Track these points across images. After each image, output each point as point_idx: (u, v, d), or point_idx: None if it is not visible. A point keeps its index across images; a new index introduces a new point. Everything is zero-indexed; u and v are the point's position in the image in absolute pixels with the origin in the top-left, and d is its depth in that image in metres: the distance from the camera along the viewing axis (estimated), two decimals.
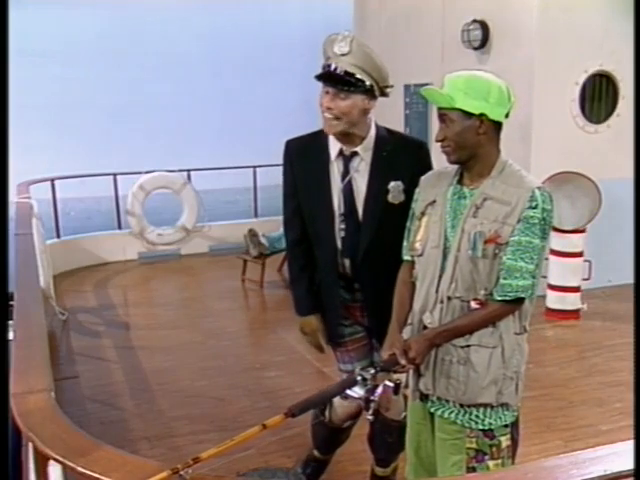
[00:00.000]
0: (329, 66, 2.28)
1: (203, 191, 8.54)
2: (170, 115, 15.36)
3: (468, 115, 1.95)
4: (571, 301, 5.56)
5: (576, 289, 5.56)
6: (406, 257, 2.21)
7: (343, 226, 2.47)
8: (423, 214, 2.12)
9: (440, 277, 2.03)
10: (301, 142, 2.56)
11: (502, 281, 1.96)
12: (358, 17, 8.65)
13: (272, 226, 7.35)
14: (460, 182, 2.07)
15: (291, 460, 3.17)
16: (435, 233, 2.06)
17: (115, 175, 8.11)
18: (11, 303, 2.86)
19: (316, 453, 3.03)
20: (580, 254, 5.49)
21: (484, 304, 1.99)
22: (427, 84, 8.36)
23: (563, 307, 5.58)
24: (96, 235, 8.26)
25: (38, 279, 3.62)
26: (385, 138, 2.44)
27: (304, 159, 2.52)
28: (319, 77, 2.31)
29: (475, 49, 6.38)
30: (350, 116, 2.31)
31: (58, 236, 7.71)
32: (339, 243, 2.50)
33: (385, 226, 2.39)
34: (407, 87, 7.45)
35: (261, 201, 8.87)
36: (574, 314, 5.58)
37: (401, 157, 2.41)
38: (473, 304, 2.00)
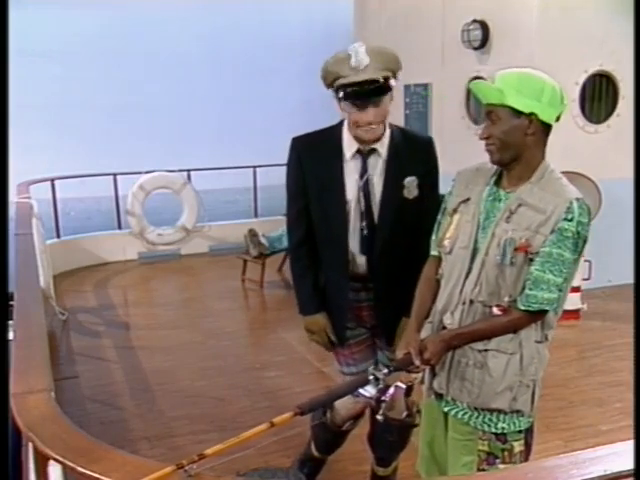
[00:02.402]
0: (362, 83, 2.24)
1: (203, 191, 8.53)
2: (170, 115, 15.34)
3: (517, 113, 1.88)
4: (571, 301, 5.55)
5: (576, 289, 5.54)
6: (433, 252, 2.17)
7: (363, 224, 2.48)
8: (455, 211, 2.06)
9: (465, 279, 2.00)
10: (310, 139, 2.54)
11: (527, 291, 1.92)
12: (358, 17, 8.64)
13: (272, 226, 7.34)
14: (497, 183, 2.01)
15: (291, 460, 3.17)
16: (465, 233, 2.01)
17: (115, 175, 8.11)
18: (11, 303, 2.86)
19: (315, 453, 3.03)
20: None
21: (506, 311, 1.96)
22: (427, 84, 8.29)
23: (563, 307, 5.57)
24: (96, 235, 8.25)
25: (38, 279, 3.62)
26: (397, 135, 2.46)
27: (315, 157, 2.49)
28: (356, 96, 2.26)
29: (475, 49, 6.37)
30: (386, 117, 2.36)
31: (58, 236, 7.70)
32: (356, 242, 2.50)
33: (401, 222, 2.43)
34: (407, 87, 7.44)
35: (261, 201, 8.87)
36: (574, 314, 5.57)
37: (413, 153, 2.45)
38: (495, 310, 1.97)
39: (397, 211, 2.44)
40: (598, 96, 6.20)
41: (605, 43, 5.99)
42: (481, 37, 6.28)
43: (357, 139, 2.41)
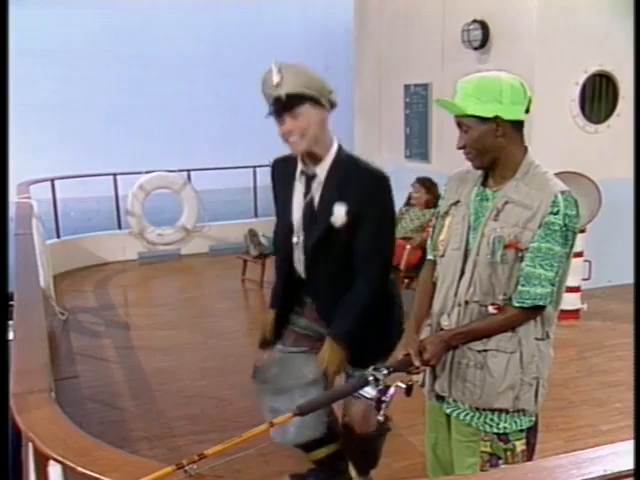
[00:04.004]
0: (274, 99, 2.34)
1: (203, 191, 8.53)
2: (170, 115, 15.32)
3: (483, 119, 1.91)
4: (571, 301, 5.55)
5: (576, 289, 5.55)
6: (429, 256, 2.20)
7: (302, 239, 2.56)
8: (447, 214, 2.10)
9: (459, 280, 2.01)
10: (282, 160, 2.66)
11: (520, 287, 1.93)
12: (358, 17, 8.64)
13: (272, 226, 7.30)
14: (484, 183, 2.04)
15: (291, 460, 3.16)
16: (457, 235, 2.03)
17: (115, 175, 8.11)
18: (11, 303, 2.86)
19: None
20: (580, 254, 5.48)
21: (502, 309, 1.97)
22: (427, 84, 8.28)
23: (563, 307, 5.52)
24: (96, 235, 8.26)
25: (38, 279, 3.62)
26: (342, 163, 2.47)
27: (280, 176, 2.65)
28: (272, 113, 2.36)
29: (475, 49, 6.37)
30: (310, 131, 2.37)
31: (58, 236, 7.71)
32: (297, 261, 2.60)
33: (327, 245, 2.47)
34: (407, 87, 7.44)
35: (261, 201, 8.84)
36: (574, 314, 5.57)
37: (350, 182, 2.44)
38: (491, 309, 1.98)
39: (321, 236, 2.47)
40: (598, 96, 6.20)
41: (605, 43, 5.99)
42: (481, 37, 6.28)
43: (302, 160, 2.49)
